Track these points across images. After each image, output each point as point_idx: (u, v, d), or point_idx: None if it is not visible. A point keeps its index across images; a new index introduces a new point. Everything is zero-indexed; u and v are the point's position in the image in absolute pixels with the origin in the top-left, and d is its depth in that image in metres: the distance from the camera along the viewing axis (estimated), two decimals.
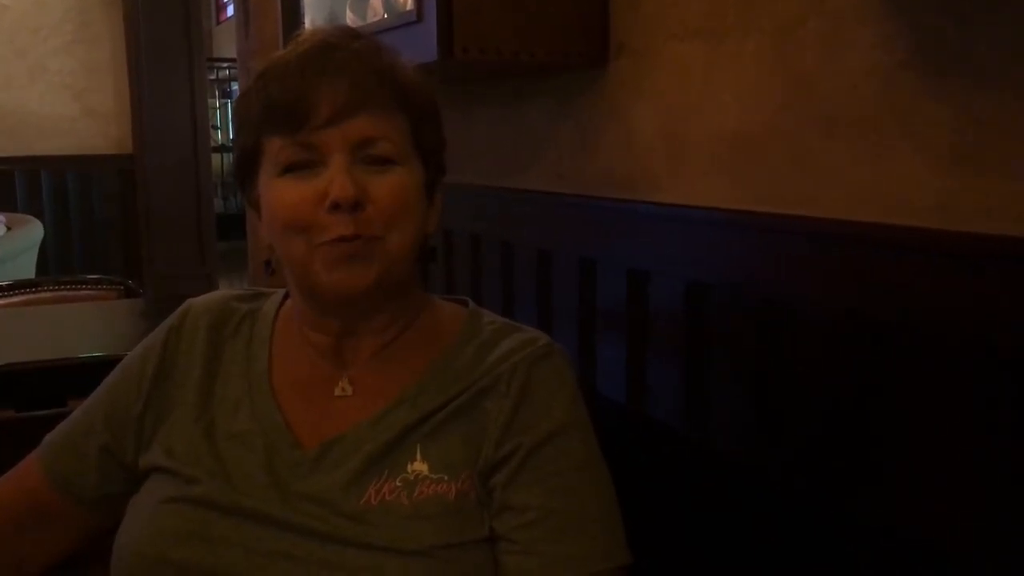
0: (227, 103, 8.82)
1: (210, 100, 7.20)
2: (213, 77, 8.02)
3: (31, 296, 2.45)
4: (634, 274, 1.24)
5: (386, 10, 1.43)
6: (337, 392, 0.86)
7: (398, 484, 0.79)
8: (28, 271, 4.61)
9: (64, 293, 2.49)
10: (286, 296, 0.94)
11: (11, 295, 2.42)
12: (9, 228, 4.61)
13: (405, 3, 1.34)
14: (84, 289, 2.52)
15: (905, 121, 0.87)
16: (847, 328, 0.91)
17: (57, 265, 5.41)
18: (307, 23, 2.02)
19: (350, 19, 1.62)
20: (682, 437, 1.14)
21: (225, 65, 8.24)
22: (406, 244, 0.81)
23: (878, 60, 0.89)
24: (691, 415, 1.15)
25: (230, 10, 7.77)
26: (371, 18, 1.49)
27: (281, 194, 0.80)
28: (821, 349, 0.95)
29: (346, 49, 0.81)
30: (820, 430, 0.96)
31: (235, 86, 8.21)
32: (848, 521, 0.91)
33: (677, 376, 1.17)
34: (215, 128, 8.12)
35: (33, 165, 5.46)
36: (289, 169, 0.80)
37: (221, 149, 8.42)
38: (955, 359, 0.80)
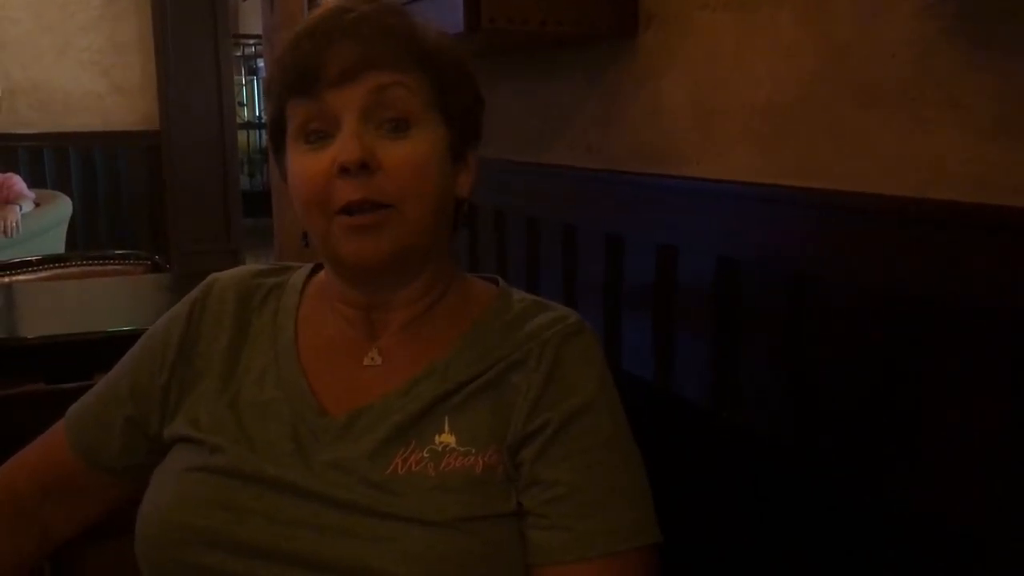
0: (253, 80, 8.84)
1: (236, 77, 7.23)
2: (239, 54, 8.04)
3: (60, 271, 2.48)
4: (662, 249, 1.22)
5: None
6: (366, 362, 0.85)
7: (425, 455, 0.78)
8: (57, 246, 4.67)
9: (92, 268, 2.51)
10: (314, 269, 0.94)
11: (40, 270, 2.45)
12: (38, 204, 4.66)
13: None
14: (111, 264, 2.55)
15: (945, 91, 0.84)
16: (882, 304, 0.89)
17: (85, 240, 5.48)
18: None
19: None
20: (710, 415, 1.13)
21: (251, 42, 8.25)
22: (424, 212, 0.80)
23: (918, 28, 0.87)
24: (720, 393, 1.13)
25: None
26: None
27: (300, 166, 0.80)
28: (855, 326, 0.93)
29: (356, 11, 0.80)
30: (852, 408, 0.94)
31: (260, 63, 8.23)
32: (880, 500, 0.90)
33: (705, 353, 1.15)
34: (241, 105, 8.15)
35: (61, 141, 5.52)
36: (308, 140, 0.80)
37: (247, 126, 8.46)
38: (995, 337, 0.78)
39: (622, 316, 1.33)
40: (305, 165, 0.79)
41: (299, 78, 0.79)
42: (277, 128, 0.84)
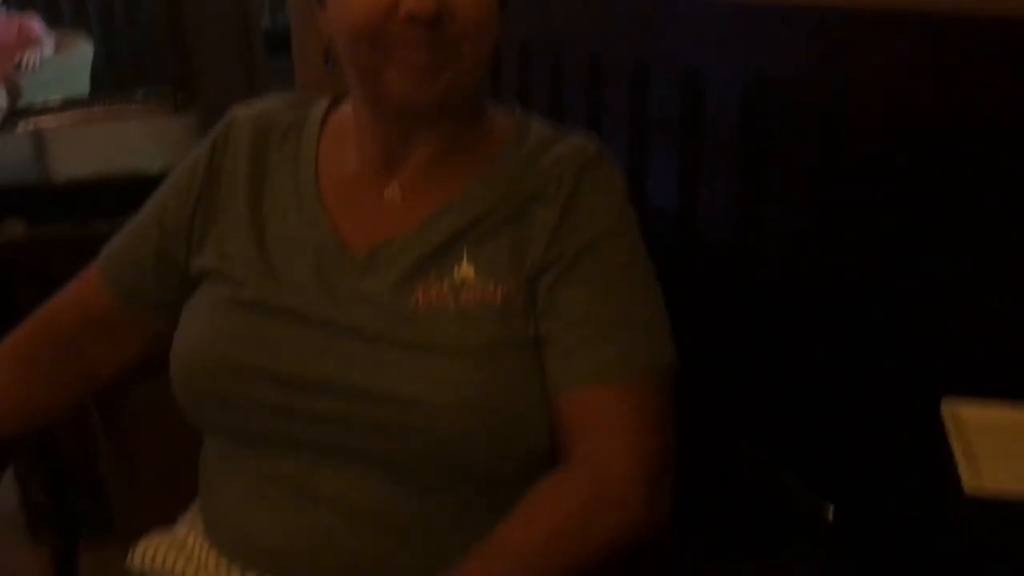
0: None
1: None
2: None
3: (83, 113, 2.47)
4: (687, 75, 1.17)
5: None
6: (386, 197, 0.85)
7: (445, 288, 0.80)
8: (82, 91, 4.62)
9: (115, 109, 2.50)
10: (332, 102, 0.93)
11: (63, 112, 2.44)
12: (56, 48, 4.57)
13: None
14: (135, 104, 2.53)
15: None
16: (914, 130, 0.86)
17: (108, 80, 5.40)
18: None
19: None
20: (733, 245, 1.12)
21: None
22: (481, 59, 0.78)
23: None
24: (745, 225, 1.11)
25: None
26: None
27: None
28: (885, 153, 0.90)
29: None
30: (885, 240, 0.92)
31: None
32: (903, 332, 0.90)
33: (731, 184, 1.12)
34: None
35: None
36: None
37: None
38: None
39: (648, 147, 1.30)
40: None
41: None
42: None
